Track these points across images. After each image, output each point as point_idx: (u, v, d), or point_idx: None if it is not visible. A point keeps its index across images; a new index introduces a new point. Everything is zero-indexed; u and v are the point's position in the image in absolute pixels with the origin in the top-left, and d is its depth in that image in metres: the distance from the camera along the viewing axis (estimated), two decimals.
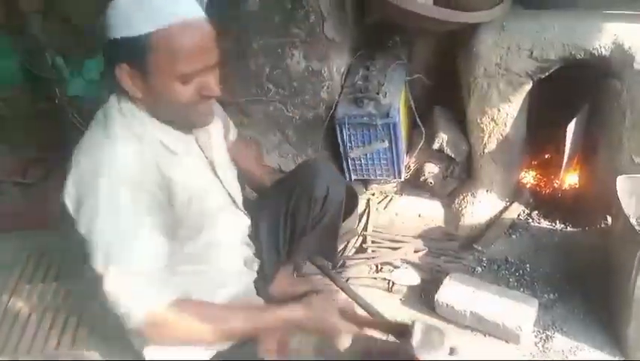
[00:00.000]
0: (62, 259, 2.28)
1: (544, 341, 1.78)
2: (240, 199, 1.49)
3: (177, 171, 1.22)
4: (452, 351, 1.60)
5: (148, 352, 1.34)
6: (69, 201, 1.14)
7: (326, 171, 1.71)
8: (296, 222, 1.68)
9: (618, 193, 1.67)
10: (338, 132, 2.35)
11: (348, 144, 2.37)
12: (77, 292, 2.07)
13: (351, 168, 2.46)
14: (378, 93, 2.29)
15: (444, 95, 2.52)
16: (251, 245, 1.57)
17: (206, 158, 1.34)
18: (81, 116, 2.65)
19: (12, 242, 2.45)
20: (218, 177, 1.37)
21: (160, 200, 1.15)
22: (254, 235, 1.58)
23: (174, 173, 1.21)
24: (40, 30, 2.73)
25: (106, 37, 1.12)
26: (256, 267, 1.56)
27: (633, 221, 1.72)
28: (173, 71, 1.11)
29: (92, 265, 1.10)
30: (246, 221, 1.51)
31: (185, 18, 1.10)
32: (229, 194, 1.42)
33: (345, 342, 1.22)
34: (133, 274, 1.08)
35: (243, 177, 1.76)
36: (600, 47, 1.92)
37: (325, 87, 2.39)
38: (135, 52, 1.09)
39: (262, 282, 1.61)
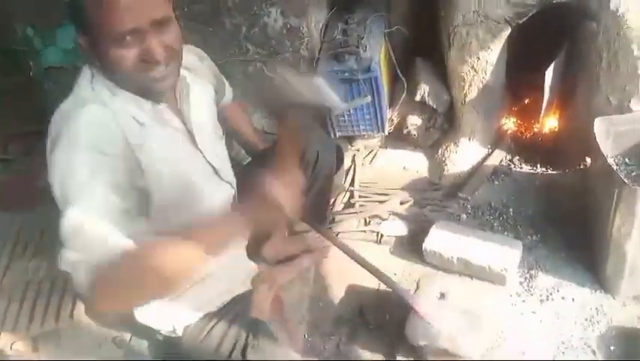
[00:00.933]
0: (52, 233, 2.28)
1: (529, 280, 1.86)
2: (225, 168, 1.43)
3: (145, 142, 1.16)
4: (442, 296, 1.66)
5: (138, 312, 1.33)
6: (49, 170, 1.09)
7: (315, 134, 1.71)
8: None
9: (596, 134, 1.71)
10: None
11: None
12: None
13: (334, 125, 2.47)
14: (358, 47, 2.27)
15: (424, 46, 2.52)
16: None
17: (185, 127, 1.28)
18: (59, 86, 2.60)
19: None
20: (198, 148, 1.30)
21: (118, 165, 1.09)
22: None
23: (142, 144, 1.15)
24: (8, 2, 2.63)
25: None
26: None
27: (611, 161, 1.77)
28: (105, 30, 1.04)
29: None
30: (228, 191, 1.44)
31: None
32: (211, 165, 1.35)
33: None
34: (81, 238, 1.00)
35: (237, 139, 1.75)
36: None
37: (304, 44, 2.37)
38: (76, 13, 1.06)
39: (254, 246, 1.64)
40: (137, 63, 1.09)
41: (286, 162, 1.13)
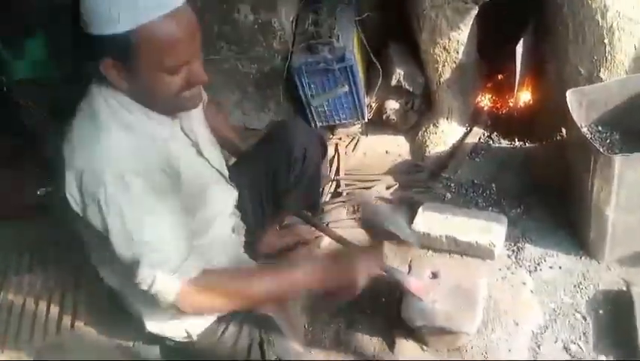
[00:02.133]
0: (43, 248, 2.27)
1: (517, 252, 1.92)
2: (226, 173, 1.51)
3: (167, 155, 1.22)
4: (434, 275, 1.70)
5: (149, 323, 1.38)
6: (74, 202, 1.13)
7: (301, 130, 1.74)
8: (277, 183, 1.72)
9: (569, 105, 1.76)
10: (297, 82, 2.36)
11: (309, 93, 2.39)
12: (68, 276, 2.08)
13: (314, 115, 2.49)
14: (330, 37, 2.29)
15: (395, 30, 2.54)
16: (237, 213, 1.60)
17: (190, 140, 1.34)
18: (34, 100, 2.57)
19: None
20: (205, 157, 1.38)
21: (166, 181, 1.17)
22: (238, 200, 1.60)
23: (165, 158, 1.21)
24: None
25: (83, 30, 1.09)
26: (243, 232, 1.60)
27: (584, 130, 1.83)
28: (160, 64, 1.10)
29: (120, 260, 1.13)
30: (234, 194, 1.53)
31: (167, 11, 1.06)
32: (217, 171, 1.44)
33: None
34: (161, 258, 1.12)
35: (218, 141, 1.77)
36: None
37: (277, 38, 2.38)
38: (120, 49, 1.07)
39: (250, 243, 1.67)
40: (182, 86, 1.16)
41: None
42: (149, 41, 1.06)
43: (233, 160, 1.82)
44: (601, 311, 1.70)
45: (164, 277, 1.11)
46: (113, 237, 1.11)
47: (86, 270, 1.47)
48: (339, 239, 1.93)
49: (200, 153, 1.36)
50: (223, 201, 1.47)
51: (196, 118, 1.39)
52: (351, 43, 2.32)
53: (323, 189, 2.36)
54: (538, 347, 1.66)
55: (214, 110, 1.74)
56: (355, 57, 2.32)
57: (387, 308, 1.81)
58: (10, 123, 2.74)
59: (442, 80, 2.37)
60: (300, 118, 2.43)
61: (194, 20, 1.13)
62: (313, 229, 2.08)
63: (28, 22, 2.79)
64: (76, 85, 1.27)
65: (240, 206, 1.59)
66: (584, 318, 1.70)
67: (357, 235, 2.11)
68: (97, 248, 1.28)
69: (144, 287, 1.12)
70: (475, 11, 2.17)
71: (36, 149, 2.45)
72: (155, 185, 1.13)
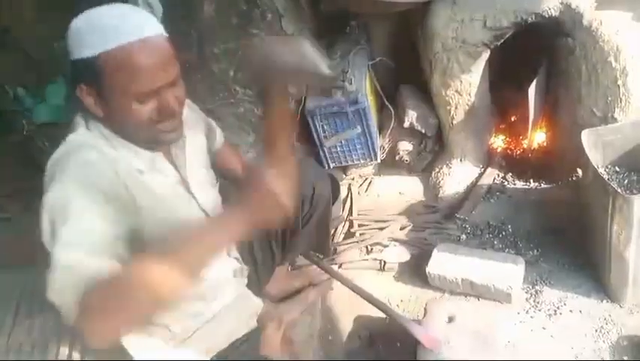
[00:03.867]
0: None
1: (535, 295, 1.87)
2: (217, 207, 1.43)
3: (143, 189, 1.20)
4: (451, 320, 1.66)
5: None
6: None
7: (310, 169, 1.74)
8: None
9: (584, 146, 1.75)
10: (311, 124, 2.39)
11: (322, 134, 2.42)
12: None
13: (328, 156, 2.51)
14: (343, 81, 2.33)
15: (407, 73, 2.58)
16: (238, 257, 1.57)
17: (180, 176, 1.31)
18: (52, 142, 2.63)
19: (2, 277, 2.43)
20: (193, 195, 1.33)
21: (110, 199, 1.08)
22: (246, 242, 1.59)
23: (140, 191, 1.18)
24: None
25: (69, 59, 1.12)
26: (246, 274, 1.57)
27: (602, 171, 1.81)
28: (128, 90, 1.10)
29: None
30: None
31: (136, 37, 1.08)
32: (204, 211, 1.36)
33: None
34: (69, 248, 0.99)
35: (230, 179, 1.78)
36: (549, 9, 1.99)
37: None
38: (90, 73, 1.09)
39: (258, 284, 1.65)
40: (153, 116, 1.15)
41: (278, 149, 1.09)
42: (114, 66, 1.07)
43: None
44: (625, 357, 1.64)
45: (63, 290, 0.97)
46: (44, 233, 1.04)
47: None
48: (347, 283, 1.90)
49: (188, 190, 1.32)
50: None
51: (193, 155, 1.36)
52: (364, 87, 2.35)
53: (335, 229, 2.35)
54: None
55: (229, 150, 1.74)
56: (368, 100, 2.35)
57: (402, 353, 1.77)
58: (31, 166, 2.80)
59: (454, 121, 2.38)
60: (310, 158, 2.44)
61: (167, 51, 1.13)
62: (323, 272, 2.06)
63: (48, 69, 2.89)
64: None
65: (247, 246, 1.57)
66: None
67: (370, 276, 2.10)
68: None
69: (50, 296, 0.99)
70: (486, 54, 2.20)
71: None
72: (94, 196, 1.06)
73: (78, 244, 0.98)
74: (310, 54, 1.04)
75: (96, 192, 1.07)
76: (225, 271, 1.49)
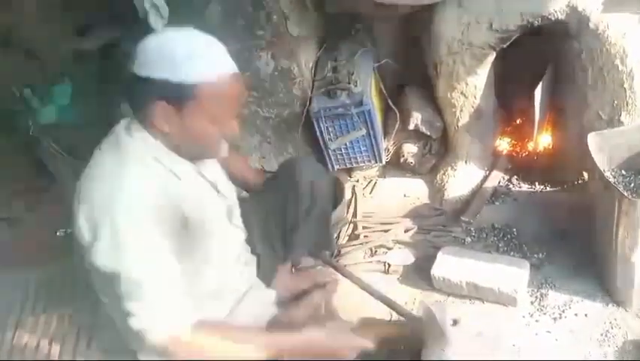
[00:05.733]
0: (60, 289, 2.28)
1: (540, 299, 1.86)
2: (238, 214, 1.56)
3: (186, 196, 1.28)
4: (455, 323, 1.66)
5: None
6: (82, 233, 1.16)
7: (307, 166, 1.77)
8: (286, 220, 1.75)
9: (590, 150, 1.74)
10: (315, 126, 2.39)
11: (327, 136, 2.41)
12: (82, 318, 2.08)
13: (332, 158, 2.51)
14: (349, 83, 2.32)
15: (412, 75, 2.57)
16: (247, 248, 1.65)
17: (209, 181, 1.40)
18: (57, 143, 2.64)
19: (6, 277, 2.44)
20: (225, 197, 1.46)
21: (174, 225, 1.21)
22: (249, 238, 1.64)
23: (184, 199, 1.27)
24: (3, 65, 2.69)
25: (139, 72, 1.18)
26: (254, 262, 1.66)
27: (608, 175, 1.80)
28: (212, 116, 1.23)
29: (119, 298, 1.14)
30: (244, 234, 1.59)
31: (230, 71, 1.22)
32: (232, 212, 1.50)
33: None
34: (158, 301, 1.14)
35: (237, 182, 1.80)
36: (556, 12, 1.99)
37: (297, 84, 2.42)
38: (179, 96, 1.17)
39: (262, 281, 1.66)
40: (219, 136, 1.30)
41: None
42: (208, 95, 1.18)
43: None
44: None
45: (156, 319, 1.14)
46: (112, 273, 1.14)
47: (101, 312, 1.46)
48: (356, 280, 1.90)
49: (218, 193, 1.43)
50: (234, 240, 1.53)
51: (209, 161, 1.44)
52: (369, 89, 2.35)
53: (340, 231, 2.35)
54: None
55: (234, 153, 1.76)
56: (373, 102, 2.35)
57: (406, 355, 1.76)
58: (35, 166, 2.82)
59: (459, 124, 2.37)
60: (309, 157, 2.45)
61: (244, 86, 1.30)
62: (329, 273, 2.06)
63: (55, 70, 2.91)
64: (98, 128, 1.33)
65: (250, 242, 1.62)
66: None
67: (375, 278, 2.09)
68: (101, 286, 1.28)
69: (135, 325, 1.14)
70: (492, 57, 2.19)
71: (58, 190, 2.50)
72: (163, 226, 1.17)
73: (160, 299, 1.15)
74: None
75: (165, 216, 1.19)
76: (240, 265, 1.57)
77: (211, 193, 1.41)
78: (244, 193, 2.01)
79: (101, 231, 1.13)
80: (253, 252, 1.67)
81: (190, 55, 1.16)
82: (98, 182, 1.19)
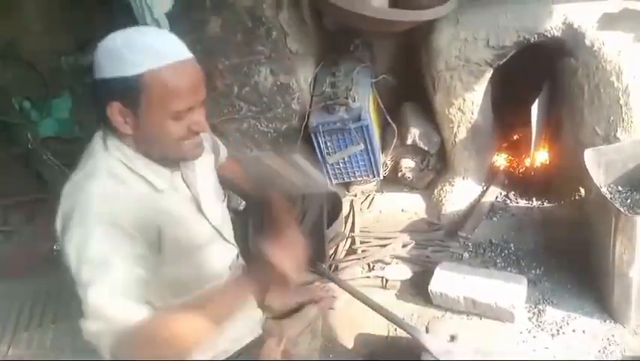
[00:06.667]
0: (57, 302, 2.27)
1: (538, 315, 1.86)
2: (228, 230, 1.50)
3: (163, 208, 1.24)
4: (452, 338, 1.65)
5: None
6: (59, 245, 1.14)
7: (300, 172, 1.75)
8: None
9: (587, 166, 1.75)
10: (314, 141, 2.40)
11: (325, 151, 2.42)
12: (79, 332, 2.06)
13: (330, 173, 2.51)
14: (347, 98, 2.34)
15: (410, 91, 2.59)
16: (243, 266, 1.58)
17: (191, 193, 1.35)
18: (56, 156, 2.65)
19: (2, 289, 2.43)
20: (203, 214, 1.38)
21: (136, 235, 1.14)
22: (244, 245, 1.61)
23: (160, 210, 1.23)
24: (3, 77, 2.70)
25: (95, 77, 1.15)
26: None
27: (604, 190, 1.81)
28: (166, 109, 1.16)
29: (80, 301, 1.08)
30: (233, 252, 1.52)
31: (177, 59, 1.15)
32: (215, 228, 1.42)
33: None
34: (103, 296, 1.05)
35: (235, 190, 1.79)
36: (552, 29, 2.01)
37: (295, 99, 2.44)
38: (128, 91, 1.13)
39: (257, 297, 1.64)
40: (183, 134, 1.21)
41: (281, 223, 1.22)
42: (156, 86, 1.13)
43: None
44: None
45: (96, 321, 1.04)
46: (72, 274, 1.09)
47: None
48: (357, 295, 1.89)
49: (199, 208, 1.37)
50: (219, 257, 1.45)
51: (200, 171, 1.39)
52: (367, 104, 2.37)
53: (337, 246, 2.34)
54: None
55: (232, 163, 1.76)
56: (371, 117, 2.36)
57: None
58: (34, 179, 2.82)
59: (457, 139, 2.39)
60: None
61: (199, 72, 1.21)
62: (326, 288, 2.05)
63: (55, 83, 2.92)
64: None
65: (247, 249, 1.59)
66: None
67: (372, 293, 2.08)
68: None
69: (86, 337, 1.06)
70: (489, 73, 2.21)
71: (55, 204, 2.50)
72: (118, 234, 1.11)
73: (110, 291, 1.05)
74: (307, 171, 1.30)
75: (121, 229, 1.12)
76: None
77: (191, 206, 1.35)
78: (242, 205, 2.01)
79: (63, 236, 1.11)
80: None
81: (133, 47, 1.12)
82: (67, 193, 1.16)
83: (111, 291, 1.04)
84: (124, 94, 1.14)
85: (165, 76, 1.13)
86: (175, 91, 1.15)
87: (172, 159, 1.27)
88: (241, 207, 1.96)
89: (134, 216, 1.15)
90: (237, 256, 1.55)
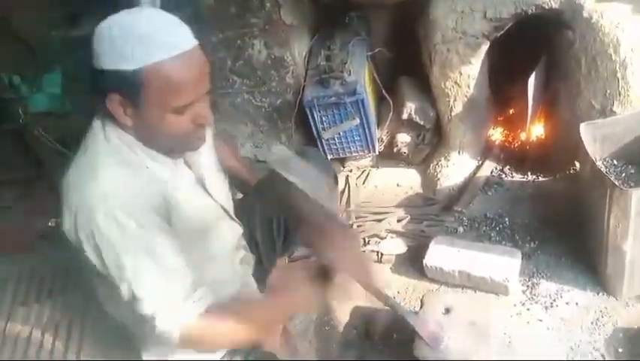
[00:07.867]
0: (53, 277, 2.27)
1: (531, 288, 1.87)
2: (231, 209, 1.48)
3: (169, 195, 1.21)
4: (447, 311, 1.66)
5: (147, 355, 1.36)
6: (72, 239, 1.12)
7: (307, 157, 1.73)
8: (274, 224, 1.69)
9: (583, 140, 1.74)
10: (309, 115, 2.38)
11: (320, 126, 2.41)
12: (75, 306, 2.07)
13: (325, 148, 2.50)
14: (342, 72, 2.32)
15: (406, 64, 2.57)
16: (245, 246, 1.59)
17: (195, 176, 1.33)
18: (48, 132, 2.62)
19: None
20: (210, 194, 1.36)
21: (159, 220, 1.15)
22: (248, 233, 1.59)
23: (167, 197, 1.21)
24: None
25: (93, 65, 1.10)
26: (252, 262, 1.59)
27: (599, 164, 1.81)
28: (168, 104, 1.10)
29: (122, 297, 1.10)
30: (239, 229, 1.51)
31: (179, 51, 1.08)
32: (222, 207, 1.41)
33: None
34: (160, 294, 1.10)
35: (232, 181, 1.77)
36: (549, 1, 1.98)
37: (290, 72, 2.41)
38: (128, 85, 1.07)
39: (261, 275, 1.65)
40: (187, 127, 1.16)
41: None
42: (158, 80, 1.07)
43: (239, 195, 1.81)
44: (620, 350, 1.65)
45: (166, 315, 1.09)
46: (111, 276, 1.09)
47: (94, 301, 1.46)
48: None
49: (204, 188, 1.35)
50: (227, 237, 1.45)
51: (203, 150, 1.36)
52: (362, 78, 2.34)
53: None
54: None
55: (226, 148, 1.73)
56: (366, 91, 2.34)
57: (399, 345, 1.77)
58: (25, 155, 2.80)
59: (453, 113, 2.37)
60: (310, 147, 2.43)
61: (204, 62, 1.13)
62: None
63: (45, 58, 2.88)
64: (88, 117, 1.29)
65: (250, 241, 1.58)
66: (602, 356, 1.64)
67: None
68: (98, 283, 1.25)
69: (149, 327, 1.10)
70: (486, 46, 2.19)
71: (48, 179, 2.49)
72: (149, 224, 1.11)
73: (168, 283, 1.10)
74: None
75: (148, 212, 1.12)
76: (232, 261, 1.51)
77: (197, 188, 1.33)
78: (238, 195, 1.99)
79: (89, 241, 1.09)
80: (253, 251, 1.61)
81: (131, 39, 1.05)
82: (75, 188, 1.12)
83: (169, 283, 1.10)
84: (124, 87, 1.08)
85: (166, 70, 1.06)
86: (177, 86, 1.08)
87: (174, 152, 1.24)
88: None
89: (153, 205, 1.15)
90: (241, 235, 1.54)
